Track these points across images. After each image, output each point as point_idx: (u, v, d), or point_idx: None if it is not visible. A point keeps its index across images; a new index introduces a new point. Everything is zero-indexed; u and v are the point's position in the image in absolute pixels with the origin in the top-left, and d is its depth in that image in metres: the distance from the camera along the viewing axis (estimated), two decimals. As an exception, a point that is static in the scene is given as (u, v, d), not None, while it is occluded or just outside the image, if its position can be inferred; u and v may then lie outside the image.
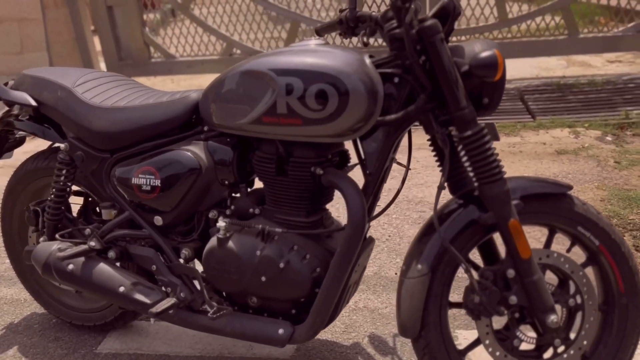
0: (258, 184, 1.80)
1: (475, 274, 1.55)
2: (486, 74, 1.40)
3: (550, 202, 1.56)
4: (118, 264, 1.88)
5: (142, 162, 1.78)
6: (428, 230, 1.58)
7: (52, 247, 1.86)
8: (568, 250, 1.65)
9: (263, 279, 1.68)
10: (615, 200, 2.98)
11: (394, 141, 1.60)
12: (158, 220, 1.82)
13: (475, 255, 1.61)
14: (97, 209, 2.10)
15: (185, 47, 5.87)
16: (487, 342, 1.57)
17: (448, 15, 1.49)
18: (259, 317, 1.75)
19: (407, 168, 1.74)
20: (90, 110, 1.82)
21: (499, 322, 1.61)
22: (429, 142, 1.70)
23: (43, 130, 1.97)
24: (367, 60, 1.52)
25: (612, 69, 5.38)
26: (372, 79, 1.49)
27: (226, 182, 1.74)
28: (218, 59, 5.73)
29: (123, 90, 1.91)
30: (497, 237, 1.58)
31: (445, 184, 1.56)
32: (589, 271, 1.61)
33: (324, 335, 2.10)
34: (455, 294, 2.06)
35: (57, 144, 2.04)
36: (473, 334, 1.90)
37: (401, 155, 1.68)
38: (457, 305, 1.61)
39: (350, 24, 1.75)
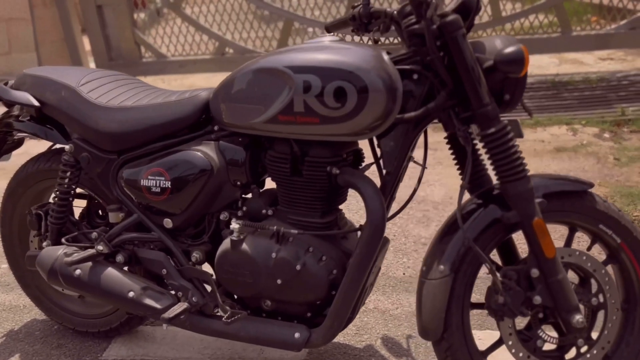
0: (269, 184, 1.75)
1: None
2: (512, 69, 1.37)
3: (572, 200, 1.53)
4: (126, 268, 1.82)
5: (151, 163, 1.73)
6: (448, 231, 1.55)
7: (58, 252, 1.80)
8: (588, 249, 1.62)
9: (279, 281, 1.64)
10: (618, 197, 2.98)
11: (412, 139, 1.57)
12: (168, 222, 1.77)
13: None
14: (100, 211, 2.04)
15: (177, 47, 5.79)
16: (510, 343, 1.54)
17: (469, 10, 1.46)
18: (274, 321, 1.70)
19: (424, 167, 1.71)
20: (96, 110, 1.77)
21: (519, 322, 1.58)
22: (446, 140, 1.68)
23: (45, 131, 1.91)
24: (385, 57, 1.49)
25: (604, 67, 5.40)
26: (391, 75, 1.45)
27: (238, 183, 1.70)
28: (210, 58, 5.67)
29: (129, 89, 1.86)
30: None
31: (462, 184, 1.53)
32: (609, 269, 1.59)
33: (335, 338, 2.06)
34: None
35: (59, 146, 1.99)
36: (488, 334, 1.88)
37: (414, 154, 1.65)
38: (479, 306, 1.58)
39: (364, 20, 1.71)
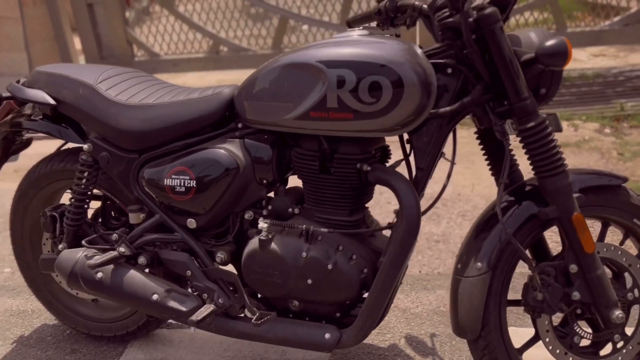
0: (292, 182, 1.72)
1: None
2: (555, 62, 1.35)
3: (607, 195, 1.52)
4: (147, 270, 1.77)
5: (175, 162, 1.68)
6: (484, 228, 1.53)
7: (78, 255, 1.74)
8: (621, 243, 1.61)
9: (309, 281, 1.60)
10: (626, 192, 2.98)
11: (446, 134, 1.54)
12: (191, 222, 1.72)
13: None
14: (113, 212, 1.99)
15: (170, 45, 5.72)
16: (547, 339, 1.53)
17: (506, 2, 1.43)
18: (303, 322, 1.67)
19: (452, 163, 1.69)
20: (116, 108, 1.71)
21: (554, 319, 1.56)
22: (476, 135, 1.66)
23: (60, 130, 1.85)
24: (419, 51, 1.46)
25: (598, 63, 5.43)
26: (425, 69, 1.43)
27: (264, 182, 1.66)
28: (204, 56, 5.60)
29: (148, 86, 1.81)
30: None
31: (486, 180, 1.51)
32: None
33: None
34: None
35: (70, 145, 1.94)
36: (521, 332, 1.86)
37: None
38: (515, 303, 1.56)
39: (390, 14, 1.68)
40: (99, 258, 1.69)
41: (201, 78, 5.79)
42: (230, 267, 1.77)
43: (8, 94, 1.86)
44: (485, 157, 1.65)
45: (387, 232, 1.67)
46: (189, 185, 1.66)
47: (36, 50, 5.48)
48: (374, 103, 1.43)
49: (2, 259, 2.85)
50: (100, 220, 1.98)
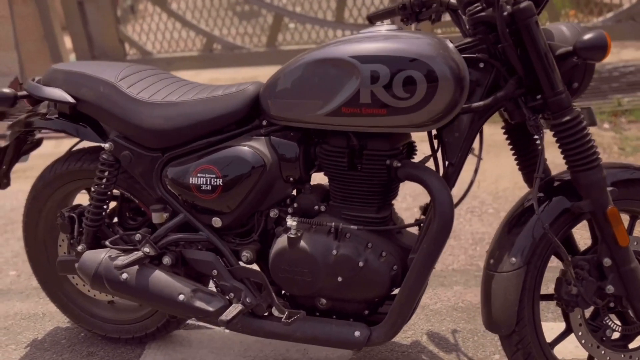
0: (315, 179, 1.70)
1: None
2: (594, 55, 1.35)
3: (637, 188, 1.53)
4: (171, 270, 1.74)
5: (200, 160, 1.66)
6: (516, 223, 1.52)
7: (101, 256, 1.71)
8: (648, 237, 1.62)
9: (339, 279, 1.59)
10: (630, 186, 3.01)
11: (477, 129, 1.54)
12: (217, 221, 1.70)
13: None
14: (128, 213, 1.96)
15: (163, 44, 5.66)
16: (580, 333, 1.53)
17: (541, -3, 1.43)
18: (332, 320, 1.66)
19: (479, 158, 1.68)
20: (139, 106, 1.68)
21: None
22: (503, 130, 1.66)
23: (77, 129, 1.81)
24: (450, 45, 1.45)
25: (590, 59, 5.48)
26: (458, 64, 1.42)
27: (291, 179, 1.64)
28: (198, 55, 5.55)
29: (168, 84, 1.78)
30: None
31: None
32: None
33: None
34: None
35: (82, 145, 1.91)
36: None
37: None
38: (547, 297, 1.56)
39: (415, 9, 1.67)
40: (125, 259, 1.66)
41: (195, 76, 5.69)
42: (253, 266, 1.75)
43: (24, 93, 1.81)
44: (513, 152, 1.65)
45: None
46: (215, 183, 1.64)
47: (26, 49, 5.39)
48: (408, 98, 1.42)
49: (5, 261, 2.80)
50: (116, 220, 1.95)
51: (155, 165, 1.72)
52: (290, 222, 1.59)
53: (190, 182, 1.66)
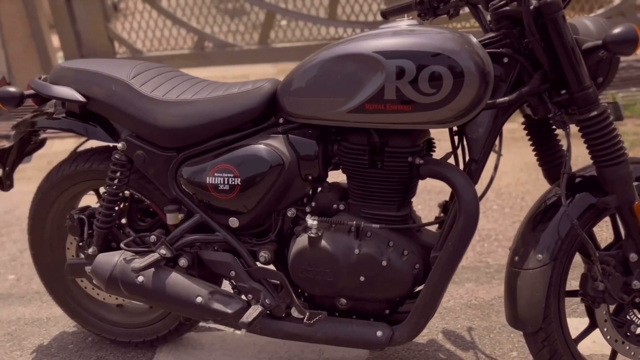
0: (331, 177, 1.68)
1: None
2: (624, 49, 1.34)
3: (660, 184, 1.52)
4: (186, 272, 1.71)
5: (217, 160, 1.62)
6: (541, 219, 1.51)
7: (116, 258, 1.67)
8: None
9: (362, 279, 1.57)
10: (631, 181, 3.03)
11: (501, 125, 1.52)
12: (233, 222, 1.66)
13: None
14: (138, 214, 1.91)
15: (153, 42, 5.59)
16: (605, 329, 1.53)
17: (566, -9, 1.42)
18: (352, 320, 1.64)
19: (499, 154, 1.67)
20: (153, 104, 1.64)
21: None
22: (523, 126, 1.65)
23: (87, 128, 1.76)
24: (474, 40, 1.43)
25: (581, 55, 5.52)
26: (483, 59, 1.40)
27: (309, 178, 1.61)
28: (189, 53, 5.49)
29: (181, 82, 1.74)
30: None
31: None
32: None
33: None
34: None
35: (87, 146, 1.87)
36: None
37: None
38: (572, 293, 1.55)
39: (433, 4, 1.65)
40: (141, 261, 1.62)
41: (186, 75, 5.67)
42: (269, 267, 1.72)
43: (31, 91, 1.76)
44: (533, 148, 1.64)
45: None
46: (233, 183, 1.60)
47: (13, 48, 5.30)
48: (434, 94, 1.40)
49: (3, 265, 2.74)
50: (124, 221, 1.91)
51: (170, 165, 1.68)
52: (311, 221, 1.56)
53: (207, 181, 1.62)
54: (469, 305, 2.13)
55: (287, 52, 5.32)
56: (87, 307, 2.02)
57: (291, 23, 5.44)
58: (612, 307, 1.58)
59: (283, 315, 1.67)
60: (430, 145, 1.66)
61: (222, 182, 1.61)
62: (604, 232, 2.14)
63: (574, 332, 1.59)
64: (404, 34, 1.45)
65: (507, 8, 1.43)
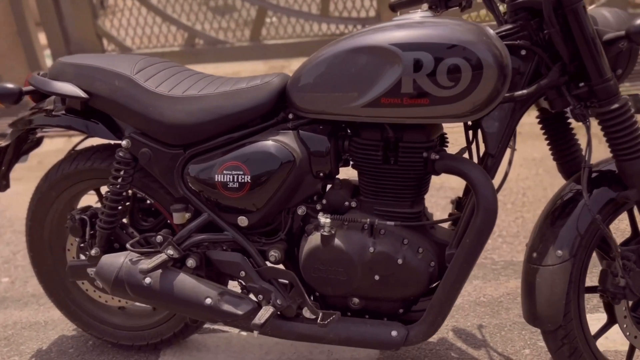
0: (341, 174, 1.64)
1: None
2: (648, 41, 1.31)
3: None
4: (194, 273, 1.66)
5: (226, 157, 1.57)
6: (560, 215, 1.48)
7: (121, 260, 1.61)
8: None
9: (376, 277, 1.53)
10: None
11: (518, 119, 1.50)
12: (243, 220, 1.61)
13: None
14: (140, 213, 1.86)
15: (143, 39, 5.49)
16: (625, 325, 1.51)
17: (585, -19, 1.39)
18: (366, 320, 1.60)
19: (513, 149, 1.64)
20: (159, 100, 1.59)
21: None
22: (538, 120, 1.62)
23: (88, 125, 1.70)
24: (491, 32, 1.40)
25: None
26: (501, 51, 1.37)
27: (321, 174, 1.57)
28: (180, 50, 5.40)
29: (186, 77, 1.69)
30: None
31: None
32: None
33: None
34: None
35: (87, 144, 1.80)
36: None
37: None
38: (591, 289, 1.53)
39: None
40: (148, 262, 1.56)
41: (176, 72, 5.60)
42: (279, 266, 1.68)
43: (30, 88, 1.70)
44: (548, 142, 1.61)
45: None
46: (243, 180, 1.55)
47: (-1, 46, 5.19)
48: (452, 87, 1.36)
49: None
50: (126, 221, 1.85)
51: (177, 163, 1.63)
52: (323, 219, 1.52)
53: (216, 179, 1.57)
54: (477, 303, 2.11)
55: (278, 49, 5.26)
56: (88, 310, 1.96)
57: (283, 19, 5.38)
58: (630, 303, 1.56)
59: (294, 316, 1.63)
60: (443, 140, 1.63)
61: (231, 180, 1.56)
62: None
63: (593, 329, 1.57)
64: (420, 26, 1.41)
65: None
